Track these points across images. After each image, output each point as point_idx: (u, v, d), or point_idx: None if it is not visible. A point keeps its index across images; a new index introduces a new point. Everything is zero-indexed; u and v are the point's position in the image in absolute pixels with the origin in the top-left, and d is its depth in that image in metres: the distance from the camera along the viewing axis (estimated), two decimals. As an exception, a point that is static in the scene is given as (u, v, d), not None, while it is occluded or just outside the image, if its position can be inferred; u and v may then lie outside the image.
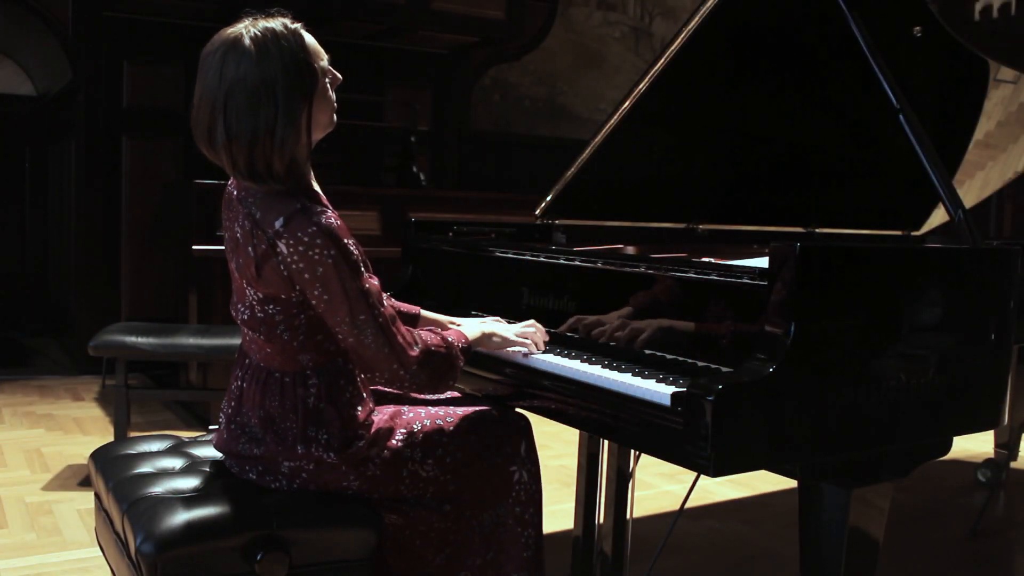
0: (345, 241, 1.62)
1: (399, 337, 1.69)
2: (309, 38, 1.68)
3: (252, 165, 1.62)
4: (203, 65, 1.64)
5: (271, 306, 1.68)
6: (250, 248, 1.64)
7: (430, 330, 1.82)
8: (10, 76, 6.82)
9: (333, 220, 1.62)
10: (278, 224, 1.60)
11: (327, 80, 1.70)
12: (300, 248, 1.59)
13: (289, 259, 1.60)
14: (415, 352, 1.71)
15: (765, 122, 2.64)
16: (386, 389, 1.98)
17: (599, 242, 2.59)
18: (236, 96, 1.59)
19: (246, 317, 1.73)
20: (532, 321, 1.98)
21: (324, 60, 1.71)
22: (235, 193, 1.72)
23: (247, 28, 1.63)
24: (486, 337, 1.91)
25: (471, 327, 1.92)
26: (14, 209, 7.31)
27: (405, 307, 2.07)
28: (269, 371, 1.74)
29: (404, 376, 1.70)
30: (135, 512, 1.65)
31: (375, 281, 1.69)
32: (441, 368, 1.75)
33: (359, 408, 1.77)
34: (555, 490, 3.50)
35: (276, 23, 1.65)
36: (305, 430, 1.71)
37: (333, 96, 1.73)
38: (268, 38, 1.61)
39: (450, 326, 2.02)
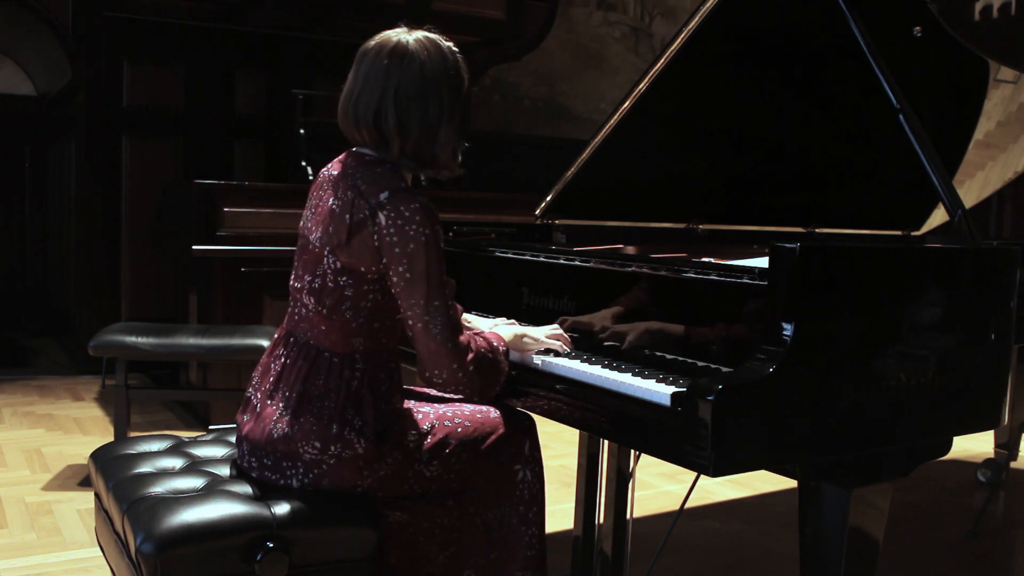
0: (438, 226, 1.70)
1: (461, 333, 1.74)
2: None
3: (419, 152, 1.76)
4: (373, 56, 1.78)
5: (345, 278, 1.72)
6: (348, 215, 1.70)
7: (476, 334, 1.84)
8: (10, 76, 6.82)
9: (431, 204, 1.70)
10: (383, 196, 1.69)
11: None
12: (399, 221, 1.66)
13: (385, 230, 1.67)
14: (471, 355, 1.75)
15: (765, 122, 2.64)
16: (434, 392, 1.98)
17: (599, 242, 2.59)
18: (409, 87, 1.74)
19: (317, 286, 1.75)
20: (557, 327, 1.98)
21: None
22: (336, 173, 1.79)
23: (410, 34, 1.81)
24: (518, 339, 1.92)
25: (504, 330, 1.93)
26: (14, 209, 7.31)
27: None
28: (319, 349, 1.77)
29: (462, 379, 1.74)
30: (135, 512, 1.65)
31: (452, 281, 1.75)
32: (490, 373, 1.79)
33: (392, 404, 1.80)
34: (555, 490, 3.50)
35: (439, 38, 1.82)
36: (344, 411, 1.73)
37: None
38: (440, 46, 1.80)
39: (470, 324, 2.03)
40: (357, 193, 1.71)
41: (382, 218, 1.67)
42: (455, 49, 1.83)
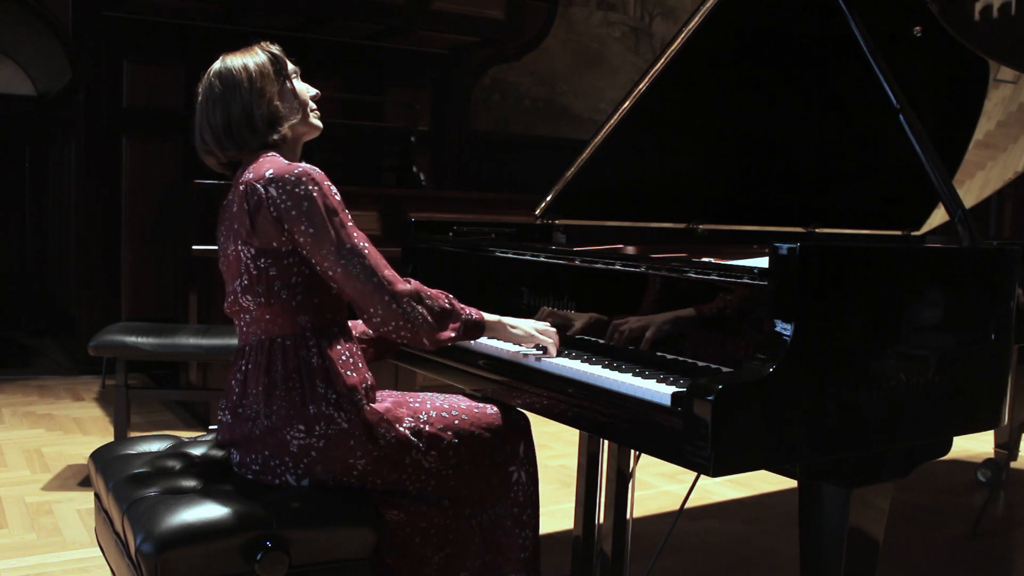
0: (327, 183, 1.76)
1: (387, 269, 1.76)
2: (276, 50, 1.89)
3: (231, 133, 1.81)
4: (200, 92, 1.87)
5: (263, 260, 1.75)
6: (245, 204, 1.76)
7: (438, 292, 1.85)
8: (10, 76, 6.82)
9: (316, 168, 1.76)
10: (268, 173, 1.75)
11: (295, 74, 1.90)
12: (287, 187, 1.72)
13: (278, 199, 1.72)
14: (405, 287, 1.76)
15: (765, 122, 2.64)
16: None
17: (599, 242, 2.59)
18: (220, 96, 1.83)
19: (246, 283, 1.78)
20: (548, 325, 1.96)
21: (290, 65, 1.90)
22: (233, 192, 1.83)
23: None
24: (503, 326, 1.91)
25: (490, 315, 1.92)
26: (14, 209, 7.31)
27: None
28: (271, 339, 1.78)
29: (396, 311, 1.74)
30: (135, 512, 1.65)
31: (364, 235, 1.78)
32: (436, 311, 1.79)
33: (354, 372, 1.79)
34: (555, 490, 3.50)
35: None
36: (314, 387, 1.74)
37: (305, 89, 1.90)
38: (238, 65, 1.84)
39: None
40: (247, 184, 1.77)
41: (272, 191, 1.73)
42: (266, 52, 1.89)
